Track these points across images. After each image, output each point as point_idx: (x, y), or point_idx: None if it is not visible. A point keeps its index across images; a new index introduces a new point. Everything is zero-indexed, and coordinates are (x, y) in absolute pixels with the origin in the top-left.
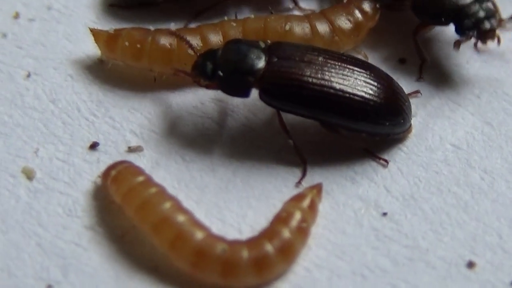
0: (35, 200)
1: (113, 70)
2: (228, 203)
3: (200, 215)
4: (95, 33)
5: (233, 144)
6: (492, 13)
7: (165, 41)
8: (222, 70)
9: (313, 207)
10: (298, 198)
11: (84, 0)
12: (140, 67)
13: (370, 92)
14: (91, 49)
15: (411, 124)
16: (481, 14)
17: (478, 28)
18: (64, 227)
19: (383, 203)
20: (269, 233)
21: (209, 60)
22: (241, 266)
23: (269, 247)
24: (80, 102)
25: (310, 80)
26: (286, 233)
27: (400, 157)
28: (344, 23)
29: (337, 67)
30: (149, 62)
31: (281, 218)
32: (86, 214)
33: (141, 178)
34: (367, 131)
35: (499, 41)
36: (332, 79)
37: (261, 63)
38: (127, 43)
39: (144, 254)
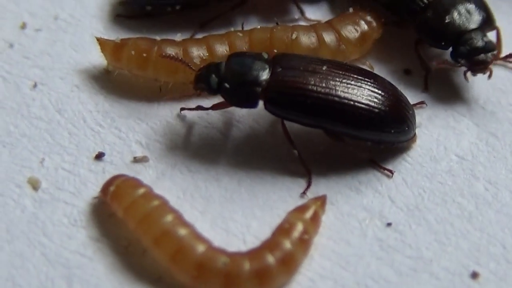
0: (41, 210)
1: (119, 81)
2: (232, 213)
3: (205, 225)
4: (101, 42)
5: (238, 154)
6: (491, 47)
7: (170, 51)
8: (229, 82)
9: (316, 218)
10: (301, 209)
11: (90, 10)
12: (146, 77)
13: (375, 100)
14: (97, 59)
15: (415, 133)
16: (479, 44)
17: (471, 57)
18: (69, 237)
19: (387, 213)
20: (270, 244)
21: (213, 73)
22: (243, 278)
23: (270, 259)
24: (86, 112)
25: (315, 88)
26: (287, 245)
27: (405, 167)
28: (350, 32)
29: (341, 76)
30: (155, 71)
31: (283, 229)
32: (91, 225)
33: (141, 191)
34: (372, 139)
35: (490, 75)
36: (337, 87)
37: (265, 74)
38: (133, 52)
39: (148, 265)
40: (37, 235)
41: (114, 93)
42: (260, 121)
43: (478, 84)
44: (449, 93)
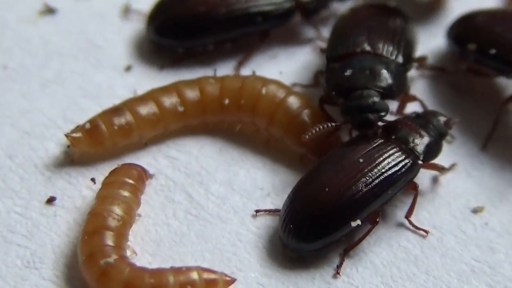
0: None
1: (68, 128)
2: (182, 256)
3: (155, 267)
4: (73, 139)
5: (186, 198)
6: (380, 107)
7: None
8: None
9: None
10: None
11: (39, 60)
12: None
13: None
14: (46, 106)
15: None
16: (366, 102)
17: (356, 115)
18: (22, 278)
19: (334, 257)
20: (176, 269)
21: None
22: None
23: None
24: (37, 158)
25: None
26: (194, 275)
27: None
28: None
29: None
30: (140, 133)
31: None
32: (44, 266)
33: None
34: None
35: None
36: None
37: None
38: (115, 127)
39: None
40: None
41: (64, 139)
42: (208, 168)
43: None
44: None
